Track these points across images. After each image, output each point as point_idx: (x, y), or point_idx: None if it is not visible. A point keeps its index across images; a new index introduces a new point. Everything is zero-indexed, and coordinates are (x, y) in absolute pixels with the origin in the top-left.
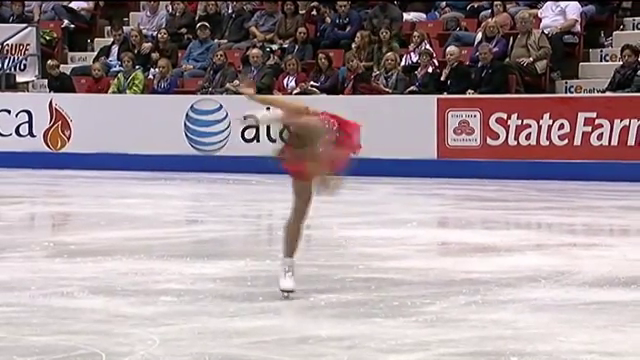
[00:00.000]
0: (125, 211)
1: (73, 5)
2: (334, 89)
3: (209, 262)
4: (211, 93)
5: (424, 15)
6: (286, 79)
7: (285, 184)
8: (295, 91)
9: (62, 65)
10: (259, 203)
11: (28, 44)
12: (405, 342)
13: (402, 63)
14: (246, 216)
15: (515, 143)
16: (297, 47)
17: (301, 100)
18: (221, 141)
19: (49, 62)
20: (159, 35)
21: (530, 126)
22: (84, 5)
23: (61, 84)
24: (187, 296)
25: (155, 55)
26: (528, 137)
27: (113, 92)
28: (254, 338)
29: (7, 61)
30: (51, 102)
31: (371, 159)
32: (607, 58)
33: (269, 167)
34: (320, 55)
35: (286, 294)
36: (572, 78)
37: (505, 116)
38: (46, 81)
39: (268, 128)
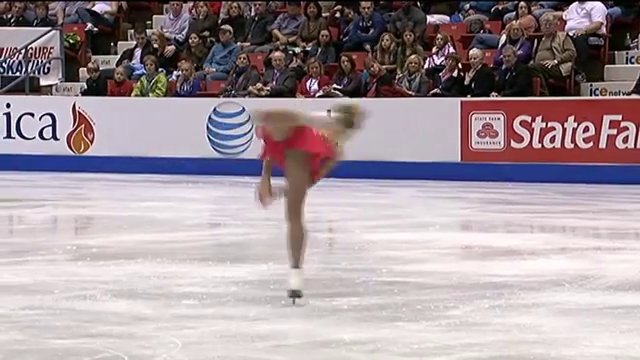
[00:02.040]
0: (148, 214)
1: (96, 8)
2: (357, 92)
3: (231, 266)
4: (234, 96)
5: (448, 17)
6: (309, 82)
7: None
8: (318, 94)
9: (86, 68)
10: (281, 206)
11: (52, 47)
12: (428, 346)
13: (425, 66)
14: (268, 219)
15: (539, 146)
16: (320, 50)
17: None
18: (244, 144)
19: (89, 65)
20: (189, 40)
21: (555, 129)
22: (107, 8)
23: (97, 86)
24: (209, 299)
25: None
26: (552, 140)
27: (136, 95)
28: (276, 342)
29: (31, 64)
30: (74, 105)
31: (394, 162)
32: (632, 60)
33: None
34: (343, 58)
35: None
36: (597, 80)
37: (529, 119)
38: (71, 84)
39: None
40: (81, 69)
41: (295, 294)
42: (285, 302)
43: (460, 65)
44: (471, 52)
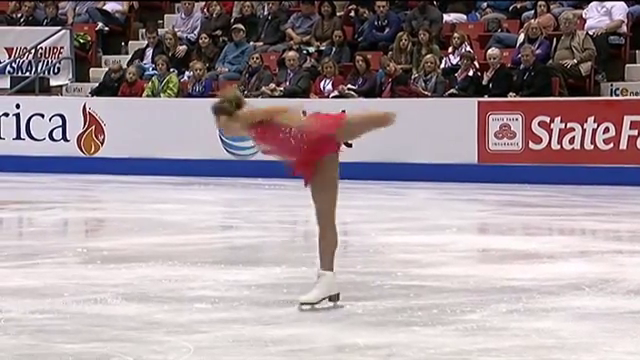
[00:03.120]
0: (159, 217)
1: (107, 7)
2: (372, 92)
3: (244, 269)
4: (247, 97)
5: (464, 16)
6: (323, 82)
7: None
8: (332, 94)
9: (96, 69)
10: (295, 209)
11: (62, 47)
12: (444, 351)
13: (442, 65)
14: (282, 222)
15: (558, 147)
16: (334, 49)
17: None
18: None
19: (111, 66)
20: (200, 40)
21: (574, 130)
22: (118, 7)
23: (118, 87)
24: (222, 303)
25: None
26: (572, 141)
27: (147, 96)
28: (290, 346)
29: (41, 64)
30: (85, 106)
31: (410, 163)
32: None
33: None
34: (358, 57)
35: (304, 307)
36: (618, 80)
37: (548, 120)
38: (81, 84)
39: None
40: (92, 69)
41: (335, 298)
42: (300, 306)
43: (477, 65)
44: (489, 52)
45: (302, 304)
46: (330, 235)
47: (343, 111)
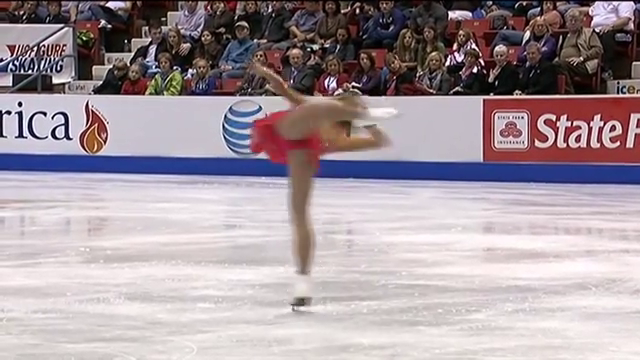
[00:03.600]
0: (162, 215)
1: (110, 5)
2: (376, 90)
3: (248, 268)
4: (250, 94)
5: (470, 13)
6: (327, 80)
7: (326, 188)
8: (336, 92)
9: (99, 66)
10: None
11: (64, 45)
12: (449, 351)
13: (447, 63)
14: (286, 221)
15: (564, 146)
16: (339, 47)
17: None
18: None
19: (115, 63)
20: (202, 37)
21: (580, 128)
22: (121, 5)
23: (121, 84)
24: (225, 303)
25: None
26: (578, 139)
27: (150, 94)
28: (293, 346)
29: (43, 62)
30: (87, 104)
31: (415, 162)
32: None
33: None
34: (362, 55)
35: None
36: (624, 78)
37: (554, 118)
38: (84, 82)
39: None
40: (94, 67)
41: (300, 302)
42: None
43: (482, 62)
44: (496, 49)
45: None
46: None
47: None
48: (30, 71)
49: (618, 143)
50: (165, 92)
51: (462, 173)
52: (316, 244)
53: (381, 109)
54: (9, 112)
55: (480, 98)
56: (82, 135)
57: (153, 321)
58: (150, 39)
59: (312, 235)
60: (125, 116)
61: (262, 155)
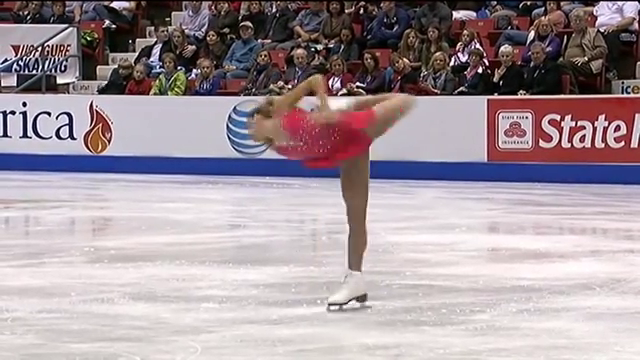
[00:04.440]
0: (166, 215)
1: (115, 5)
2: (381, 90)
3: (252, 268)
4: (255, 94)
5: (474, 13)
6: (331, 80)
7: (330, 188)
8: (341, 92)
9: (103, 66)
10: (303, 207)
11: (69, 45)
12: (454, 351)
13: (451, 63)
14: (290, 221)
15: (569, 146)
16: (343, 47)
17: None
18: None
19: (120, 63)
20: (207, 37)
21: (585, 128)
22: (126, 5)
23: (126, 84)
24: (229, 303)
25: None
26: (582, 139)
27: (154, 94)
28: (298, 346)
29: (47, 62)
30: (92, 104)
31: (419, 162)
32: None
33: (314, 170)
34: (366, 55)
35: (333, 307)
36: (629, 78)
37: (558, 118)
38: (88, 82)
39: None
40: (99, 67)
41: (363, 298)
42: (307, 305)
43: (486, 62)
44: (502, 49)
45: (330, 304)
46: (360, 235)
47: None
48: (34, 71)
49: (623, 143)
50: (169, 92)
51: (466, 173)
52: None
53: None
54: (13, 112)
55: (484, 98)
56: (86, 135)
57: (157, 321)
58: (154, 39)
59: (366, 236)
60: (129, 116)
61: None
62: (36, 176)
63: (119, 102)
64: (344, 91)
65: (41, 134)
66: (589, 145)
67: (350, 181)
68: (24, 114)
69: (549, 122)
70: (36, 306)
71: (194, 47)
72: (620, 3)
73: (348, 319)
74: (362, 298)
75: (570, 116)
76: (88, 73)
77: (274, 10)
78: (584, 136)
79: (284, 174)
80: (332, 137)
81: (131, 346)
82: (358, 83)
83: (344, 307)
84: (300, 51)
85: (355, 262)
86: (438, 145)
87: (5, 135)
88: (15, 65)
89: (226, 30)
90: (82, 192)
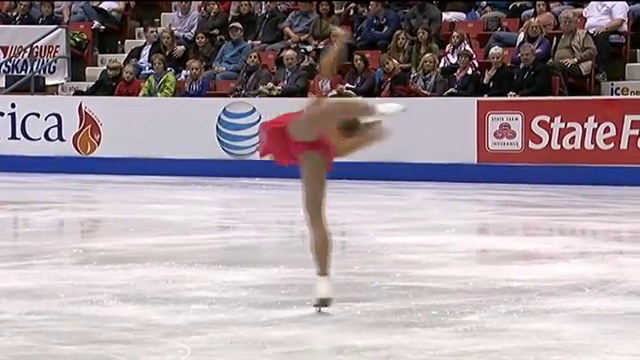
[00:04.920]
0: (156, 217)
1: (103, 6)
2: (370, 91)
3: (241, 270)
4: (244, 96)
5: (464, 15)
6: (321, 81)
7: None
8: (330, 94)
9: (92, 68)
10: (293, 209)
11: (57, 46)
12: (444, 352)
13: (441, 64)
14: (280, 222)
15: (558, 147)
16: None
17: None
18: (254, 145)
19: (109, 64)
20: (196, 39)
21: (574, 129)
22: (115, 6)
23: (115, 85)
24: (219, 304)
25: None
26: (572, 141)
27: (144, 95)
28: (288, 348)
29: (36, 63)
30: (81, 105)
31: (409, 163)
32: None
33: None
34: (356, 57)
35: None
36: (618, 79)
37: (548, 119)
38: (77, 83)
39: None
40: (88, 68)
41: (323, 302)
42: (296, 307)
43: (476, 63)
44: (492, 51)
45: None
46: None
47: None
48: (23, 72)
49: (612, 144)
50: (159, 93)
51: (456, 174)
52: (333, 244)
53: (387, 104)
54: (2, 113)
55: (474, 99)
56: (75, 136)
57: (147, 323)
58: (144, 40)
59: (329, 235)
60: (119, 117)
61: (267, 158)
62: (25, 177)
63: (108, 103)
64: (334, 92)
65: (30, 135)
66: (579, 146)
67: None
68: (13, 115)
69: (539, 123)
70: (25, 308)
71: (183, 47)
72: (609, 5)
73: (338, 321)
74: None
75: (560, 117)
76: (77, 74)
77: (264, 11)
78: (574, 137)
79: (274, 175)
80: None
81: (120, 348)
82: (348, 84)
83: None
84: (290, 52)
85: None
86: (428, 146)
87: None
88: (4, 66)
89: (215, 31)
90: (71, 193)
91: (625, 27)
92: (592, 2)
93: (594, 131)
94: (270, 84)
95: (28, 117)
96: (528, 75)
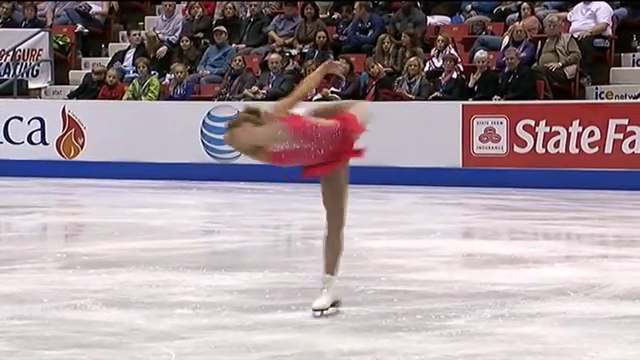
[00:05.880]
0: (140, 221)
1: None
2: (355, 95)
3: (226, 274)
4: (229, 99)
5: (449, 19)
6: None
7: (304, 193)
8: (315, 97)
9: (75, 71)
10: (278, 213)
11: (41, 49)
12: (429, 357)
13: (426, 68)
14: (264, 226)
15: (543, 151)
16: (317, 52)
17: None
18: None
19: (93, 67)
20: (181, 43)
21: (559, 133)
22: (98, 9)
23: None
24: (203, 309)
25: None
26: (557, 145)
27: (128, 98)
28: (272, 352)
29: (19, 67)
30: (64, 109)
31: (394, 167)
32: (639, 63)
33: (289, 176)
34: (341, 60)
35: (318, 313)
36: (603, 83)
37: (533, 123)
38: (60, 87)
39: None
40: (71, 72)
41: (336, 304)
42: (281, 311)
43: (461, 67)
44: (477, 55)
45: (315, 310)
46: (339, 239)
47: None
48: (6, 76)
49: (597, 149)
50: (143, 97)
51: (441, 178)
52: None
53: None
54: None
55: (459, 103)
56: (59, 140)
57: (131, 327)
58: (128, 44)
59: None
60: (102, 121)
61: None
62: (8, 181)
63: (92, 107)
64: (319, 96)
65: (13, 139)
66: (563, 150)
67: (333, 186)
68: None
69: (524, 127)
70: (7, 313)
71: (165, 48)
72: (594, 9)
73: (323, 325)
74: (337, 303)
75: (544, 121)
76: (60, 78)
77: (248, 15)
78: (558, 141)
79: (258, 179)
80: (334, 137)
81: (104, 353)
82: (333, 88)
83: (324, 312)
84: (274, 56)
85: (335, 267)
86: (413, 150)
87: None
88: None
89: (200, 35)
90: (54, 198)
91: (609, 31)
92: (577, 6)
93: (579, 135)
94: (255, 88)
95: (11, 121)
96: (513, 79)
